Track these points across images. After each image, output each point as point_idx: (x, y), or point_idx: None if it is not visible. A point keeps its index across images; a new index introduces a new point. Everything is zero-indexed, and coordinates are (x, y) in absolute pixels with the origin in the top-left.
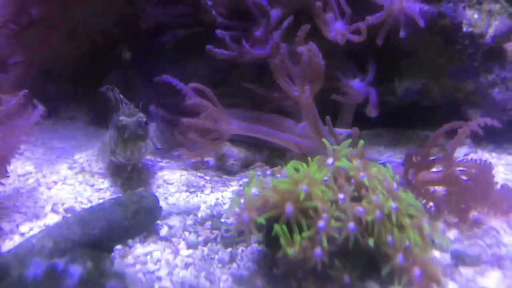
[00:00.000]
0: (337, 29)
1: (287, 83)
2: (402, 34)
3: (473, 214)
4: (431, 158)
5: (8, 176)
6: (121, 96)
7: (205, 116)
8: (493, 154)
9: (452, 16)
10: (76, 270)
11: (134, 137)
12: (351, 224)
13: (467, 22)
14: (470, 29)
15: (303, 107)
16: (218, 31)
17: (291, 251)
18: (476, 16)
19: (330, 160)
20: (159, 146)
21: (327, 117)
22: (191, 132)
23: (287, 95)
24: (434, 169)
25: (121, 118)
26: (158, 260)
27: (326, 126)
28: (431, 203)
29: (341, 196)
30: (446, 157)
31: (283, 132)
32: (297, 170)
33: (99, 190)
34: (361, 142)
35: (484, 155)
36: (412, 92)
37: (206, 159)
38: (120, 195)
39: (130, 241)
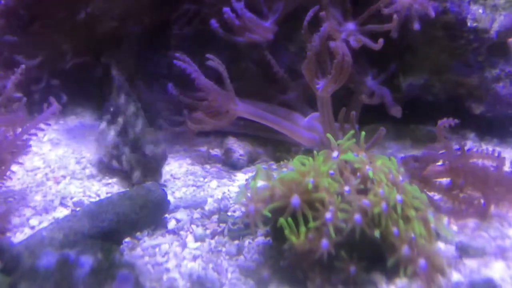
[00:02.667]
0: (348, 30)
1: (313, 76)
2: (416, 26)
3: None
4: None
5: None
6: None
7: (212, 99)
8: (497, 149)
9: (457, 12)
10: (87, 260)
11: None
12: (357, 216)
13: (471, 17)
14: (474, 24)
15: (320, 100)
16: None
17: (296, 240)
18: (480, 11)
19: (335, 154)
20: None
21: (352, 113)
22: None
23: (291, 89)
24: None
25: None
26: (166, 253)
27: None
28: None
29: (346, 188)
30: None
31: (289, 123)
32: (303, 164)
33: (107, 184)
34: (363, 133)
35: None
36: (415, 88)
37: (212, 153)
38: (127, 189)
39: (138, 234)
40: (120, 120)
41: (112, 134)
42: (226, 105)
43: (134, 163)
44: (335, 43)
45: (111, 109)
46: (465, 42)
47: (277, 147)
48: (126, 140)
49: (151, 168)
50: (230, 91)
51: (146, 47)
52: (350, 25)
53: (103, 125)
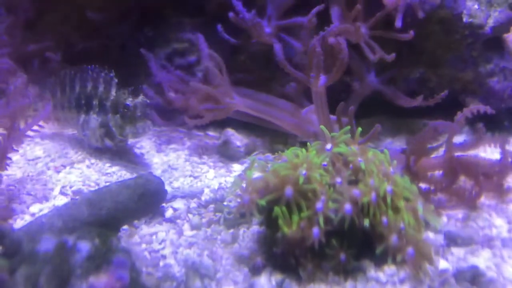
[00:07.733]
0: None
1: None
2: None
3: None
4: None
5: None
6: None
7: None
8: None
9: (452, 7)
10: (85, 246)
11: None
12: (347, 206)
13: (467, 12)
14: (470, 20)
15: (315, 94)
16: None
17: (288, 230)
18: (476, 7)
19: (328, 146)
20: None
21: (351, 108)
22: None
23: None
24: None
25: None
26: (163, 240)
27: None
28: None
29: (338, 179)
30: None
31: (286, 115)
32: (296, 155)
33: (106, 174)
34: (359, 129)
35: None
36: (411, 82)
37: (210, 144)
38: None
39: (136, 222)
40: (95, 102)
41: (93, 117)
42: (223, 99)
43: (122, 121)
44: (337, 39)
45: (83, 102)
46: (461, 37)
47: (275, 138)
48: (107, 111)
49: (137, 117)
50: (227, 86)
51: (144, 40)
52: (362, 29)
53: (82, 117)
